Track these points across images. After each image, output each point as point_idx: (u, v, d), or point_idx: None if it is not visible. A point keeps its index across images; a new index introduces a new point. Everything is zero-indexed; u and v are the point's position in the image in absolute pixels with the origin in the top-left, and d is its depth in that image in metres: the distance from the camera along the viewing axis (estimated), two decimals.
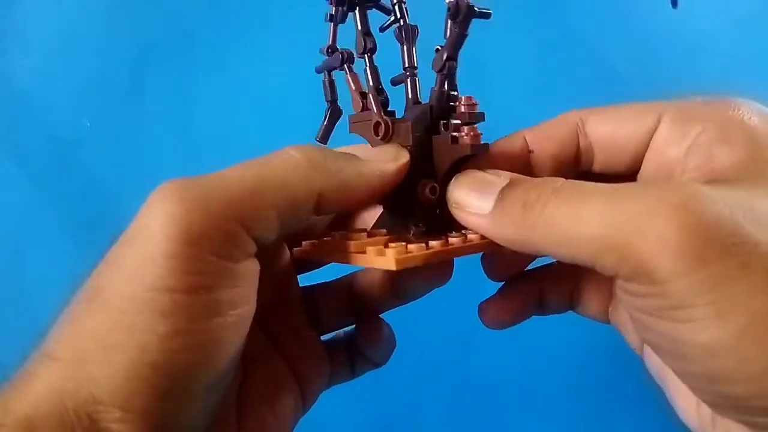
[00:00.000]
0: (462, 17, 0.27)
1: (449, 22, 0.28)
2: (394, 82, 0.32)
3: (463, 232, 0.28)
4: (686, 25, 0.56)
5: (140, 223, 0.22)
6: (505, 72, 0.58)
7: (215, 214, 0.22)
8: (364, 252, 0.26)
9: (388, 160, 0.28)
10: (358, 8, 0.31)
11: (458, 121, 0.28)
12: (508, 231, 0.25)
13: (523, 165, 0.29)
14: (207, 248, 0.22)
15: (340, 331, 0.35)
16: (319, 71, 0.33)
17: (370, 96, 0.31)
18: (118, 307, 0.21)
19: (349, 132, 0.32)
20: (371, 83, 0.31)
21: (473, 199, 0.26)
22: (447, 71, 0.29)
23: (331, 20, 0.31)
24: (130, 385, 0.21)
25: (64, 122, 0.65)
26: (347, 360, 0.34)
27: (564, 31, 0.60)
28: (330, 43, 0.32)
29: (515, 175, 0.26)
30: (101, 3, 0.64)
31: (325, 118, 0.33)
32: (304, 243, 0.30)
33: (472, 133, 0.27)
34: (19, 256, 0.66)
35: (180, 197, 0.22)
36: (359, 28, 0.31)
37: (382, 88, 0.31)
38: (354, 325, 0.35)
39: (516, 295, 0.33)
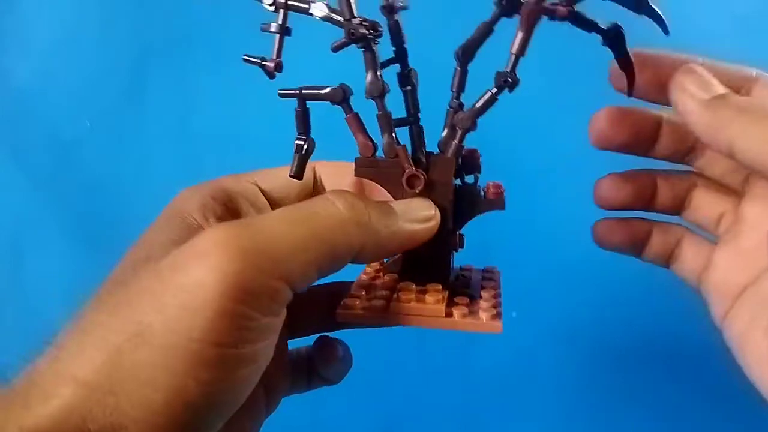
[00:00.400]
0: (500, 91, 0.29)
1: (490, 92, 0.29)
2: (397, 125, 0.31)
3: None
4: (687, 25, 0.56)
5: (193, 273, 0.22)
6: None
7: (266, 273, 0.23)
8: (451, 315, 0.29)
9: (423, 219, 0.29)
10: (367, 47, 0.28)
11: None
12: (718, 117, 0.27)
13: None
14: (255, 306, 0.23)
15: (302, 347, 0.36)
16: (287, 97, 0.30)
17: (399, 149, 0.30)
18: (162, 350, 0.22)
19: (355, 175, 0.31)
20: (386, 130, 0.30)
21: (694, 87, 0.28)
22: (472, 129, 0.29)
23: (278, 31, 0.29)
24: (159, 420, 0.21)
25: (64, 122, 0.65)
26: (305, 374, 0.35)
27: (564, 31, 0.59)
28: (275, 57, 0.29)
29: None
30: (101, 3, 0.64)
31: (300, 152, 0.30)
32: (348, 303, 0.30)
33: (498, 191, 0.31)
34: (19, 256, 0.66)
35: (234, 254, 0.22)
36: (373, 69, 0.29)
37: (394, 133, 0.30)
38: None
39: (633, 178, 0.33)
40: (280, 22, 0.29)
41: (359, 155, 0.30)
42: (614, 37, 0.28)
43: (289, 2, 0.29)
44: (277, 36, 0.29)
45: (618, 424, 0.61)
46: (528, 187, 0.57)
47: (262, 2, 0.29)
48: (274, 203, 0.33)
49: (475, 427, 0.61)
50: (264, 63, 0.29)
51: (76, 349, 0.22)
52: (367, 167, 0.30)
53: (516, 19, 0.28)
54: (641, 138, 0.32)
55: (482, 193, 0.31)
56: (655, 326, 0.58)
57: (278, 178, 0.33)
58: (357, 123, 0.30)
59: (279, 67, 0.29)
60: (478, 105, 0.29)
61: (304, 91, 0.29)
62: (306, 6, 0.29)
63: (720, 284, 0.31)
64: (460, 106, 0.30)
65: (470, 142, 0.31)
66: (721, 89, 0.28)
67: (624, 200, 0.33)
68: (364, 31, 0.27)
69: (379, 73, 0.29)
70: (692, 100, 0.28)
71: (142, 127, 0.64)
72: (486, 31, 0.29)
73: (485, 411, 0.61)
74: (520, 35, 0.27)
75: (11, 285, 0.66)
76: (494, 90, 0.28)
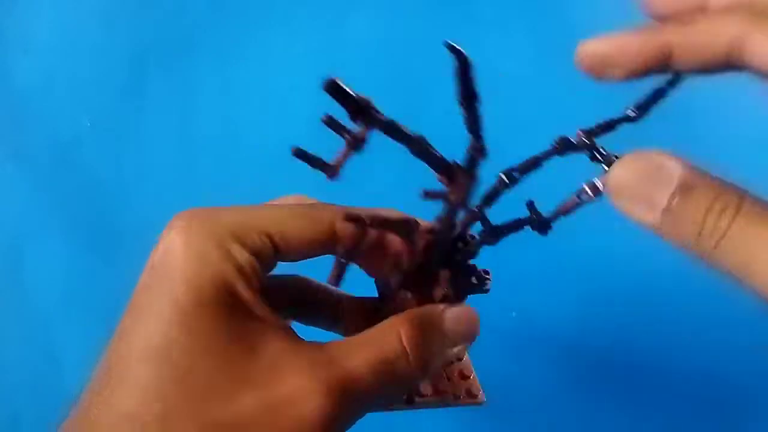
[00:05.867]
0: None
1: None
2: None
3: None
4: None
5: (299, 411, 0.25)
6: (504, 71, 0.58)
7: (356, 415, 0.27)
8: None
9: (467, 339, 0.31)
10: None
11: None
12: (683, 238, 0.21)
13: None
14: None
15: None
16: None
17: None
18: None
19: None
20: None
21: (641, 190, 0.22)
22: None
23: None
24: None
25: (64, 122, 0.65)
26: None
27: (564, 31, 0.59)
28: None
29: (690, 169, 0.21)
30: (101, 3, 0.64)
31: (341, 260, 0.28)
32: None
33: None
34: (19, 256, 0.66)
35: (335, 398, 0.25)
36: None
37: None
38: None
39: None
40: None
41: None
42: None
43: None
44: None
45: (619, 425, 0.61)
46: (530, 186, 0.57)
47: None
48: (281, 257, 0.29)
49: (476, 428, 0.61)
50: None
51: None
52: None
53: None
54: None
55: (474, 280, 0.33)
56: (656, 327, 0.58)
57: (292, 227, 0.29)
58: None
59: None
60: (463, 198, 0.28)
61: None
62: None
63: None
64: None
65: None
66: (677, 174, 0.21)
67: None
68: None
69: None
70: (643, 212, 0.22)
71: (142, 127, 0.64)
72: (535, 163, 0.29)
73: (485, 411, 0.61)
74: None
75: (11, 285, 0.66)
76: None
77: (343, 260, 0.28)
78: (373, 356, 0.27)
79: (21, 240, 0.66)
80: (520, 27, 0.59)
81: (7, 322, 0.65)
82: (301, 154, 0.25)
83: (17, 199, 0.66)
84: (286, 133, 0.61)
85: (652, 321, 0.58)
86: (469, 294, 0.32)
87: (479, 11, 0.59)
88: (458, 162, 0.27)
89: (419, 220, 0.30)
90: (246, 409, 0.23)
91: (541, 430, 0.62)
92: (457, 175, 0.27)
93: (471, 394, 0.31)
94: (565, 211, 0.27)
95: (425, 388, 0.32)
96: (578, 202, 0.27)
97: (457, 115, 0.30)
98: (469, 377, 0.31)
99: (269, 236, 0.28)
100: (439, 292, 0.30)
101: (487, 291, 0.32)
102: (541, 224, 0.28)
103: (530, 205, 0.28)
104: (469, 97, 0.24)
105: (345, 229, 0.29)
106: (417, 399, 0.32)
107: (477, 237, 0.30)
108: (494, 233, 0.29)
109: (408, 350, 0.28)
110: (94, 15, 0.64)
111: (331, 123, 0.25)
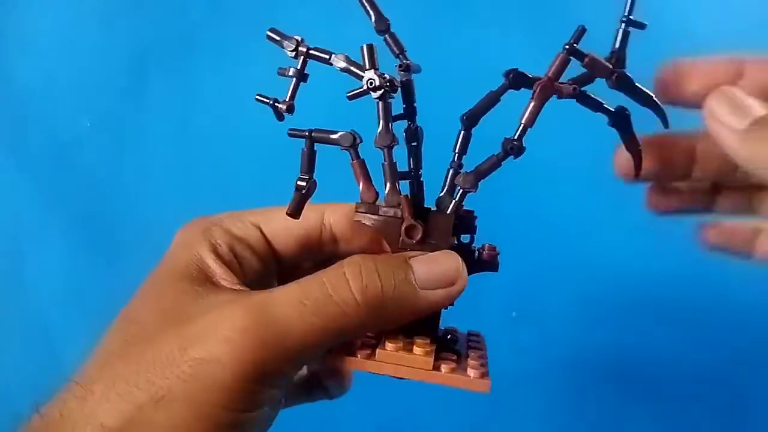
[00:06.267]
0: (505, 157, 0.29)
1: (495, 157, 0.29)
2: (399, 178, 0.31)
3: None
4: (687, 25, 0.56)
5: (215, 351, 0.25)
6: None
7: (280, 361, 0.25)
8: (439, 369, 0.29)
9: (448, 282, 0.28)
10: (382, 98, 0.29)
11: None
12: (758, 151, 0.25)
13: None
14: (267, 384, 0.26)
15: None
16: (296, 137, 0.30)
17: (402, 198, 0.30)
18: (181, 413, 0.24)
19: (353, 219, 0.31)
20: (390, 179, 0.30)
21: (727, 114, 0.26)
22: (473, 191, 0.30)
23: (296, 75, 0.30)
24: None
25: (64, 122, 0.65)
26: (306, 387, 0.36)
27: (564, 31, 0.59)
28: (288, 99, 0.30)
29: None
30: (101, 3, 0.64)
31: (300, 191, 0.30)
32: (334, 347, 0.30)
33: (492, 252, 0.32)
34: (19, 256, 0.66)
35: (253, 344, 0.25)
36: (386, 120, 0.29)
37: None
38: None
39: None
40: (298, 67, 0.30)
41: (360, 201, 0.31)
42: (621, 119, 0.29)
43: (311, 51, 0.30)
44: (294, 80, 0.30)
45: (619, 424, 0.61)
46: (530, 186, 0.57)
47: (284, 48, 0.30)
48: (275, 249, 0.34)
49: (476, 427, 0.61)
50: (276, 104, 0.31)
51: (102, 397, 0.25)
52: (366, 213, 0.31)
53: (520, 91, 0.29)
54: (674, 166, 0.31)
55: (477, 253, 0.32)
56: (655, 327, 0.58)
57: (280, 221, 0.33)
58: (362, 169, 0.30)
59: (291, 109, 0.30)
60: (482, 168, 0.29)
61: (314, 134, 0.30)
62: (327, 56, 0.30)
63: None
64: (460, 167, 0.31)
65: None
66: (758, 110, 0.26)
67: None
68: (382, 82, 0.28)
69: (390, 125, 0.29)
70: (727, 131, 0.26)
71: (142, 127, 0.64)
72: (493, 100, 0.30)
73: (485, 410, 0.61)
74: (530, 107, 0.28)
75: (11, 285, 0.66)
76: (500, 155, 0.29)
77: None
78: (304, 295, 0.26)
79: (21, 240, 0.66)
80: (520, 27, 0.59)
81: (7, 322, 0.65)
82: (260, 97, 0.31)
83: (17, 199, 0.66)
84: (285, 133, 0.61)
85: (652, 321, 0.58)
86: (477, 271, 0.31)
87: (479, 11, 0.59)
88: None
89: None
90: (165, 347, 0.25)
91: (541, 429, 0.62)
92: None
93: (479, 377, 0.28)
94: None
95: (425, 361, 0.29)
96: None
97: (455, 114, 0.30)
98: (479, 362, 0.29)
99: (257, 226, 0.33)
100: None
101: (496, 268, 0.32)
102: (518, 149, 0.29)
103: (504, 141, 0.29)
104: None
105: (336, 223, 0.34)
106: (382, 351, 0.29)
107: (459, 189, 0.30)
108: (476, 178, 0.29)
109: (351, 286, 0.26)
110: (94, 15, 0.64)
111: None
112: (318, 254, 0.35)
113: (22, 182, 0.66)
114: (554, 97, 0.28)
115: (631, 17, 0.29)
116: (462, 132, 0.30)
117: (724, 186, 0.33)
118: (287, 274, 0.34)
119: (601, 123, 0.30)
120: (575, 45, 0.28)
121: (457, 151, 0.31)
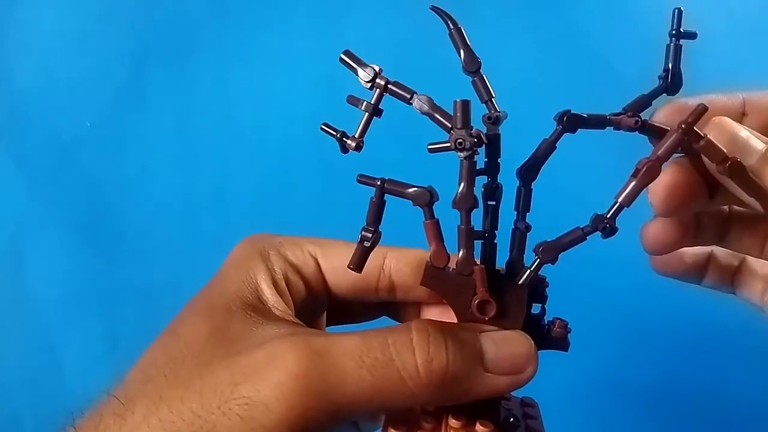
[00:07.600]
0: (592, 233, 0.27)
1: (581, 231, 0.27)
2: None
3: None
4: (686, 24, 0.56)
5: (263, 393, 0.24)
6: (504, 70, 0.58)
7: (328, 415, 0.24)
8: None
9: (517, 369, 0.26)
10: (469, 157, 0.26)
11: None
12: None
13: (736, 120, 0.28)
14: None
15: None
16: (366, 184, 0.27)
17: (477, 270, 0.27)
18: None
19: (420, 284, 0.28)
20: (465, 246, 0.27)
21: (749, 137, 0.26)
22: (552, 263, 0.28)
23: (369, 110, 0.27)
24: None
25: (64, 122, 0.65)
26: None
27: (563, 30, 0.60)
28: (358, 135, 0.27)
29: None
30: (101, 3, 0.64)
31: (363, 243, 0.27)
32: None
33: (563, 330, 0.29)
34: (20, 256, 0.66)
35: (304, 394, 0.24)
36: (469, 181, 0.26)
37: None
38: None
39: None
40: (372, 101, 0.27)
41: (430, 262, 0.28)
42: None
43: (390, 86, 0.27)
44: (366, 115, 0.27)
45: (621, 426, 0.61)
46: (537, 190, 0.57)
47: (358, 76, 0.27)
48: (328, 285, 0.32)
49: None
50: (345, 139, 0.27)
51: (143, 421, 0.24)
52: (435, 278, 0.28)
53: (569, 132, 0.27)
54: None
55: (546, 327, 0.30)
56: (659, 333, 0.58)
57: (339, 257, 0.31)
58: (435, 230, 0.28)
59: (359, 147, 0.27)
60: (564, 241, 0.27)
61: (387, 185, 0.27)
62: (407, 96, 0.27)
63: None
64: (527, 228, 0.28)
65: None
66: (758, 145, 0.25)
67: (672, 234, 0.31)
68: (472, 144, 0.25)
69: (473, 187, 0.26)
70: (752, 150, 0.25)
71: (142, 127, 0.64)
72: (549, 149, 0.27)
73: None
74: (631, 186, 0.25)
75: (12, 285, 0.66)
76: (587, 229, 0.26)
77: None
78: (366, 350, 0.25)
79: (21, 240, 0.66)
80: (520, 27, 0.59)
81: (7, 322, 0.65)
82: (326, 128, 0.28)
83: (17, 199, 0.66)
84: (285, 133, 0.61)
85: (655, 327, 0.58)
86: (545, 348, 0.29)
87: (479, 11, 0.59)
88: None
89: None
90: (215, 377, 0.24)
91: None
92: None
93: None
94: (630, 198, 0.25)
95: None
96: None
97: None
98: None
99: (315, 257, 0.32)
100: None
101: (566, 347, 0.29)
102: (610, 229, 0.26)
103: (594, 217, 0.26)
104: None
105: (397, 271, 0.32)
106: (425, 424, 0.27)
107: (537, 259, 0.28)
108: (558, 250, 0.27)
109: (416, 355, 0.25)
110: (94, 15, 0.64)
111: (328, 128, 0.27)
112: (372, 298, 0.33)
113: (22, 182, 0.66)
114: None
115: (681, 29, 0.28)
116: (521, 188, 0.28)
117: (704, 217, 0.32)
118: (336, 308, 0.33)
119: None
120: (692, 123, 0.25)
121: (519, 210, 0.28)
